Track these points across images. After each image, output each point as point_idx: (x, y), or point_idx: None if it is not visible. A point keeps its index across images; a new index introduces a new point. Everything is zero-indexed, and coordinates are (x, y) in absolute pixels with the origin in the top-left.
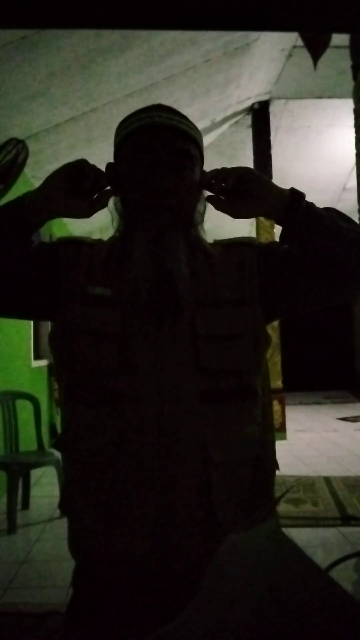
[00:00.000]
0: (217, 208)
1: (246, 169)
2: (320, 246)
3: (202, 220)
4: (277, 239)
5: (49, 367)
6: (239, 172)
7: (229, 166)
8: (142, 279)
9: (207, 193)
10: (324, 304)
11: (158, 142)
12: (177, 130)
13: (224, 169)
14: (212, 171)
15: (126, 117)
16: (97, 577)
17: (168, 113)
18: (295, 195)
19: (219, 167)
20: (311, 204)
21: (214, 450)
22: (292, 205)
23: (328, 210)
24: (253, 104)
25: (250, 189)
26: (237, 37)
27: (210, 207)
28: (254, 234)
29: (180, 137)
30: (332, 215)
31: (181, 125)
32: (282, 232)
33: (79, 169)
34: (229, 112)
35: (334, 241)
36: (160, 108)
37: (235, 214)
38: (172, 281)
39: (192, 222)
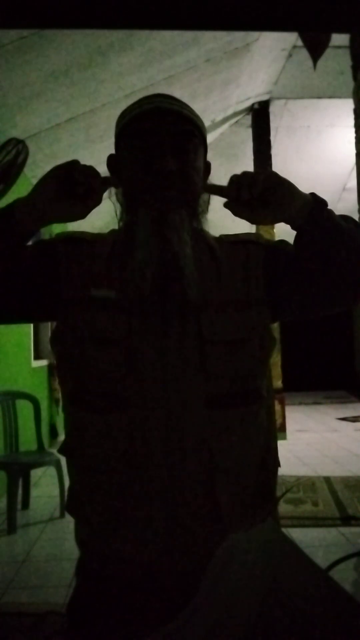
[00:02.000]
0: (235, 214)
1: (272, 174)
2: (334, 256)
3: (207, 210)
4: (277, 238)
5: (49, 367)
6: (266, 180)
7: (229, 166)
8: (146, 264)
9: (212, 186)
10: (330, 310)
11: (160, 125)
12: (179, 114)
13: (247, 175)
14: (234, 177)
15: (128, 107)
16: (101, 572)
17: (170, 99)
18: (318, 204)
19: (219, 167)
20: (331, 213)
21: (220, 455)
22: (314, 215)
23: (346, 220)
24: (253, 104)
25: (274, 195)
26: (237, 37)
27: (213, 201)
28: None
29: (183, 121)
30: (351, 227)
31: (183, 111)
32: (298, 237)
33: (68, 172)
34: (229, 112)
35: (349, 252)
36: (162, 95)
37: (255, 221)
38: (178, 265)
39: (195, 210)
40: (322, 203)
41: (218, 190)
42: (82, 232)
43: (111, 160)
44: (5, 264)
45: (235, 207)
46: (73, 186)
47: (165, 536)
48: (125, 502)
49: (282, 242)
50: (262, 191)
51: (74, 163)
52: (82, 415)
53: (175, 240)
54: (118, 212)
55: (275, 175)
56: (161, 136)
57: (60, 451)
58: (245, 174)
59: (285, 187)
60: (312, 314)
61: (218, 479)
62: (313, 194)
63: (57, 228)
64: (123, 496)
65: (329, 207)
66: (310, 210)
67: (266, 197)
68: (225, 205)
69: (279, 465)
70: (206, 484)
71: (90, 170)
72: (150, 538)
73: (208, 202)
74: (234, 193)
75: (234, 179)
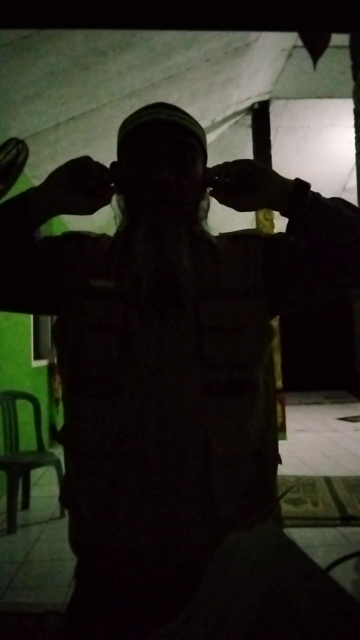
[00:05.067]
0: (221, 202)
1: (247, 160)
2: (326, 236)
3: (206, 216)
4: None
5: (49, 367)
6: (241, 165)
7: None
8: (143, 273)
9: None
10: (329, 296)
11: (159, 136)
12: (179, 125)
13: (225, 164)
14: (214, 167)
15: (129, 116)
16: (98, 571)
17: (170, 110)
18: (300, 185)
19: None
20: (317, 194)
21: (215, 443)
22: (297, 196)
23: (334, 200)
24: (253, 104)
25: (253, 180)
26: (237, 37)
27: (213, 204)
28: None
29: (182, 132)
30: (339, 205)
31: (183, 122)
32: (288, 223)
33: (82, 166)
34: (229, 112)
35: (340, 231)
36: (162, 105)
37: (240, 207)
38: (174, 275)
39: (195, 218)
40: (304, 185)
41: (207, 180)
42: (88, 232)
43: (114, 168)
44: (13, 249)
45: (220, 195)
46: (85, 180)
47: (156, 526)
48: (116, 490)
49: (281, 234)
50: (237, 176)
51: (87, 158)
52: (77, 402)
53: (172, 253)
54: (118, 219)
55: (250, 162)
56: (159, 148)
57: (55, 438)
58: (222, 164)
59: (262, 172)
60: (313, 301)
61: (213, 467)
62: (297, 179)
63: (57, 228)
64: (114, 484)
65: (336, 197)
66: (291, 191)
67: (246, 184)
68: (211, 193)
69: (279, 461)
70: (201, 471)
71: (103, 167)
72: (141, 528)
73: (207, 209)
74: (209, 178)
75: (215, 168)
